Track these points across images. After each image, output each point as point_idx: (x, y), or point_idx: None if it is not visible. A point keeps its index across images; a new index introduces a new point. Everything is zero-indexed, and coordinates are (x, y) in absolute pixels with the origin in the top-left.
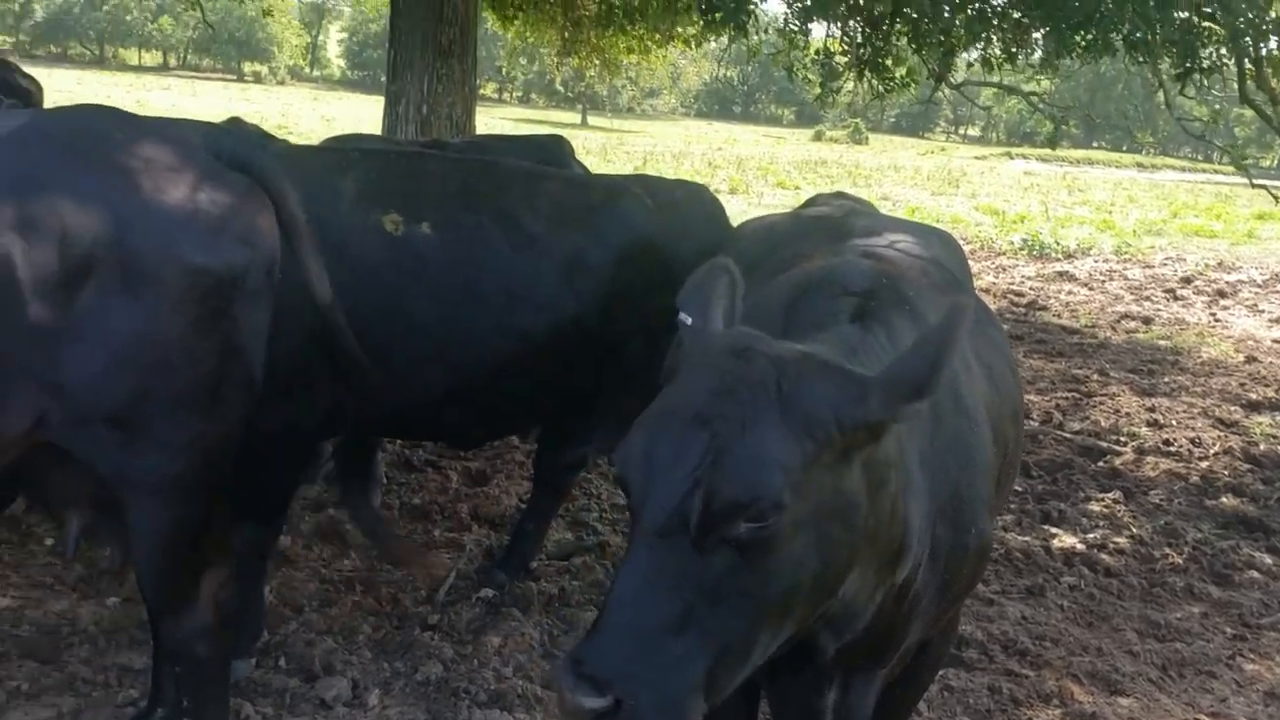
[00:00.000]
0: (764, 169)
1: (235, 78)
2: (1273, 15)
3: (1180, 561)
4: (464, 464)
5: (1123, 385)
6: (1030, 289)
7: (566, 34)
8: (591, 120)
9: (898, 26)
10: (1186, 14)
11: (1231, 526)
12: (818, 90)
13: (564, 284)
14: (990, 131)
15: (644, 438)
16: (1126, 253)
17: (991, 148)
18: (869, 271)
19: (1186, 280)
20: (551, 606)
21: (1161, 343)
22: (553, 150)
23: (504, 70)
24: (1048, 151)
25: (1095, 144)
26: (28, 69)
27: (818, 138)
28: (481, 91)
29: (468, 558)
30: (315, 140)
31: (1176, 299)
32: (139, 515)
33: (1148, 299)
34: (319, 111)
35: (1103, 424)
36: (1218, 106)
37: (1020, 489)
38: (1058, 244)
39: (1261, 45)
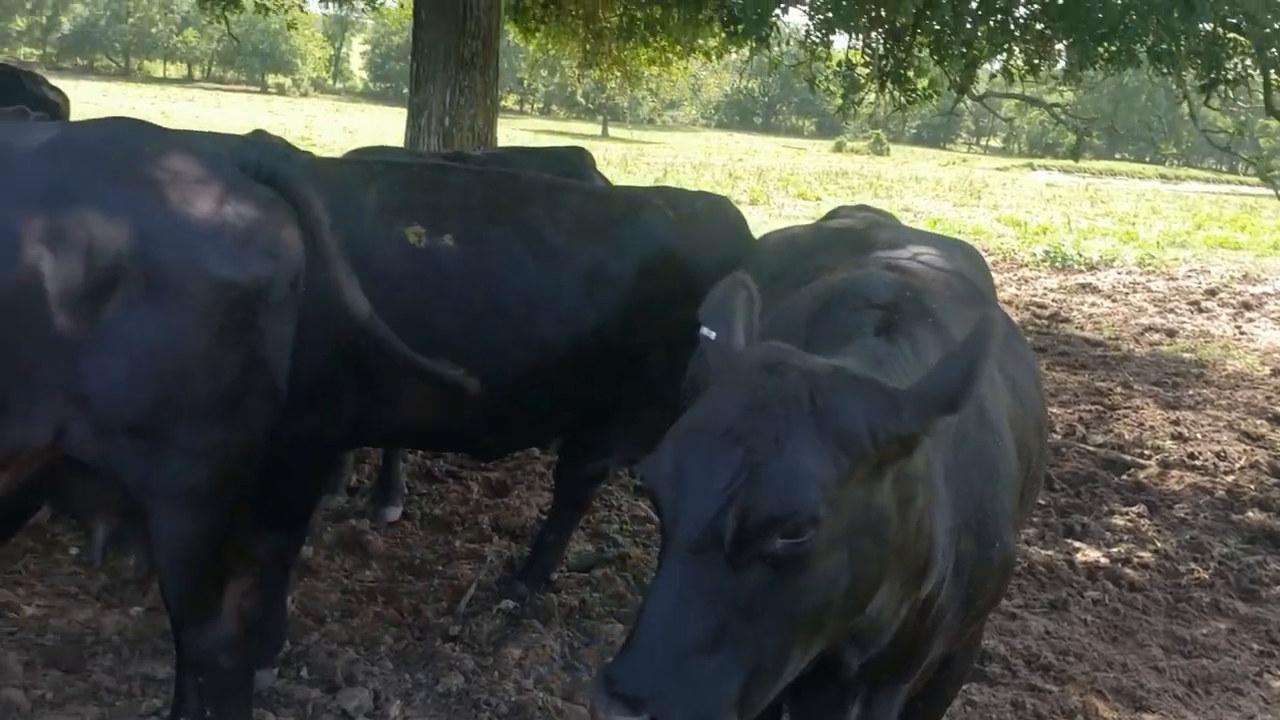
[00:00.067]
0: (785, 180)
1: (259, 90)
2: None
3: (1206, 576)
4: (485, 475)
5: (1147, 398)
6: (1053, 301)
7: (588, 46)
8: (612, 132)
9: (920, 38)
10: (1211, 25)
11: (1258, 541)
12: (839, 101)
13: (585, 296)
14: (1012, 143)
15: (675, 453)
16: (1150, 265)
17: (1013, 159)
18: (892, 284)
19: (1211, 292)
20: (572, 618)
21: (1186, 355)
22: (574, 162)
23: (525, 82)
24: (1070, 163)
25: (1118, 155)
26: (55, 81)
27: (838, 149)
28: (503, 103)
29: (489, 569)
30: (339, 152)
31: (1201, 311)
32: (162, 524)
33: (1172, 311)
34: (342, 123)
35: (1127, 437)
36: (1243, 118)
37: (1043, 502)
38: (1080, 256)
39: None
